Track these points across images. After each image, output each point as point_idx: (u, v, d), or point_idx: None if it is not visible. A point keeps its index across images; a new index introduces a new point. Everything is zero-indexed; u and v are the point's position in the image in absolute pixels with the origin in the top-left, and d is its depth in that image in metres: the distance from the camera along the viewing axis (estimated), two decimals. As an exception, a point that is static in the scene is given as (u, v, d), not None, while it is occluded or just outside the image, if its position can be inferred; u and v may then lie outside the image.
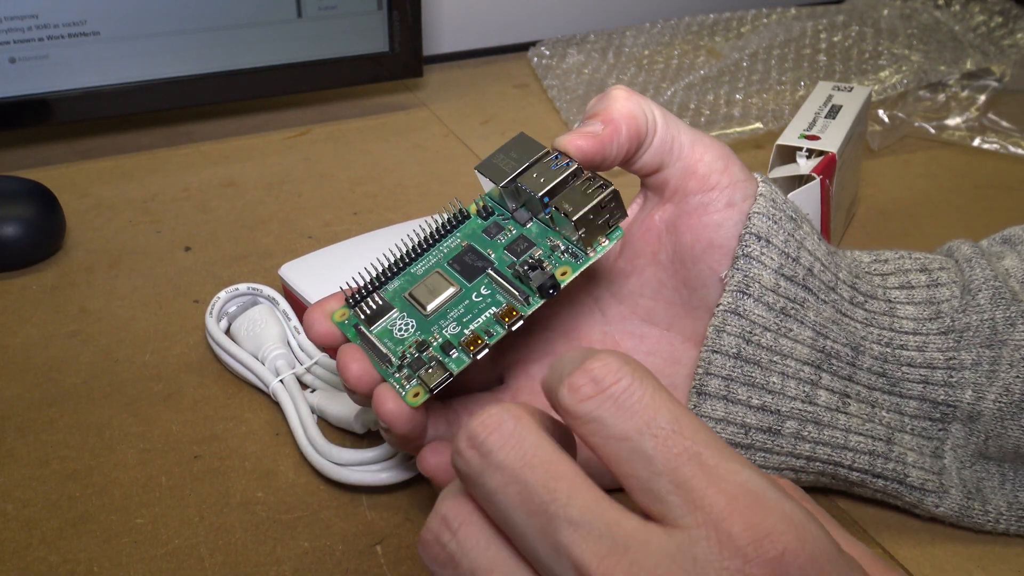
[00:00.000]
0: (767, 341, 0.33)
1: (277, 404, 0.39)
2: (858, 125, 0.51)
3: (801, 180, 0.46)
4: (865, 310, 0.35)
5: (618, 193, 0.31)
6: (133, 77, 0.60)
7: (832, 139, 0.47)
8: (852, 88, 0.53)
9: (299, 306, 0.43)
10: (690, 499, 0.20)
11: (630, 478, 0.21)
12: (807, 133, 0.48)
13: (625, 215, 0.31)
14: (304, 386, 0.40)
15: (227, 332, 0.43)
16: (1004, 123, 0.65)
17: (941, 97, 0.66)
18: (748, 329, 0.33)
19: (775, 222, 0.33)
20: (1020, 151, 0.62)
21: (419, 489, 0.36)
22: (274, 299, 0.43)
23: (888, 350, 0.34)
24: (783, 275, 0.33)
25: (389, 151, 0.64)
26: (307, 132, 0.66)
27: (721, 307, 0.33)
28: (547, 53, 0.76)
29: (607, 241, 0.31)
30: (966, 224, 0.56)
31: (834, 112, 0.50)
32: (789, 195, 0.45)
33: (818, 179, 0.45)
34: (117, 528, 0.34)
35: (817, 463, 0.33)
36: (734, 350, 0.33)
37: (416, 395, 0.30)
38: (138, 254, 0.51)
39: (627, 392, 0.21)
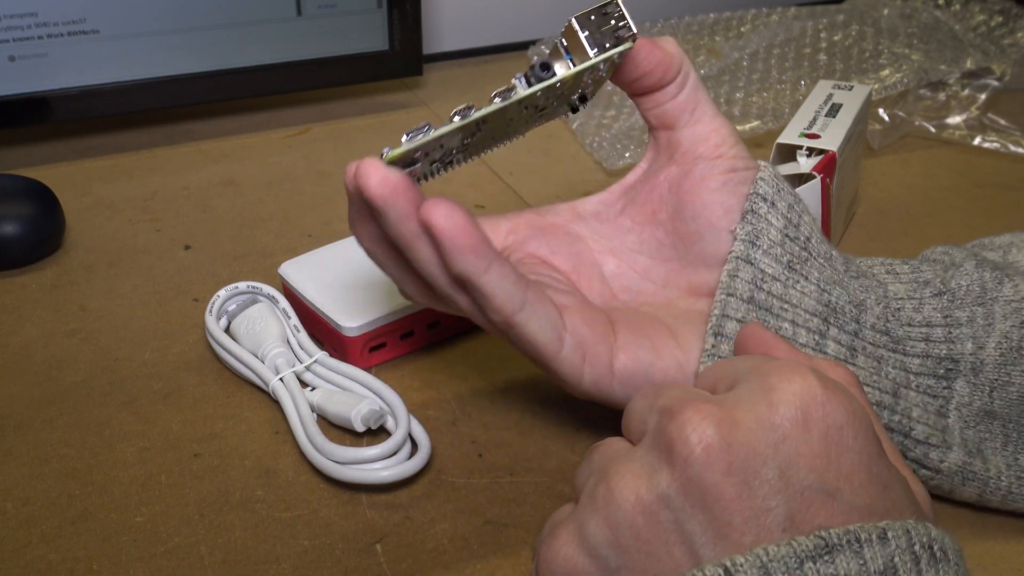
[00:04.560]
0: (777, 290, 0.34)
1: (277, 402, 0.39)
2: (858, 124, 0.51)
3: (801, 179, 0.46)
4: (860, 282, 0.36)
5: (623, 7, 0.33)
6: (133, 75, 0.60)
7: (832, 138, 0.47)
8: (852, 87, 0.53)
9: (299, 304, 0.43)
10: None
11: None
12: (807, 132, 0.48)
13: (633, 34, 0.33)
14: (304, 384, 0.40)
15: (227, 330, 0.43)
16: (1004, 122, 0.65)
17: (941, 96, 0.66)
18: (759, 276, 0.34)
19: (779, 190, 0.35)
20: (1020, 150, 0.62)
21: (419, 488, 0.36)
22: (274, 297, 0.43)
23: (888, 311, 0.35)
24: (787, 235, 0.35)
25: (389, 150, 0.64)
26: (307, 131, 0.66)
27: (733, 254, 0.34)
28: (547, 52, 0.76)
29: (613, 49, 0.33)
30: (966, 223, 0.56)
31: (834, 111, 0.50)
32: None
33: (819, 177, 0.45)
34: (117, 526, 0.34)
35: None
36: (747, 294, 0.34)
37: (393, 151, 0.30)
38: (138, 253, 0.51)
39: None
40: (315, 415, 0.39)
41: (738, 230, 0.35)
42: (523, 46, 0.80)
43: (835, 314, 0.34)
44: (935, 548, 0.23)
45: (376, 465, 0.36)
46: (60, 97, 0.58)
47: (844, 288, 0.35)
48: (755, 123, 0.62)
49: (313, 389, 0.40)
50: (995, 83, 0.67)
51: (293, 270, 0.44)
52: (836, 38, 0.73)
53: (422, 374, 0.42)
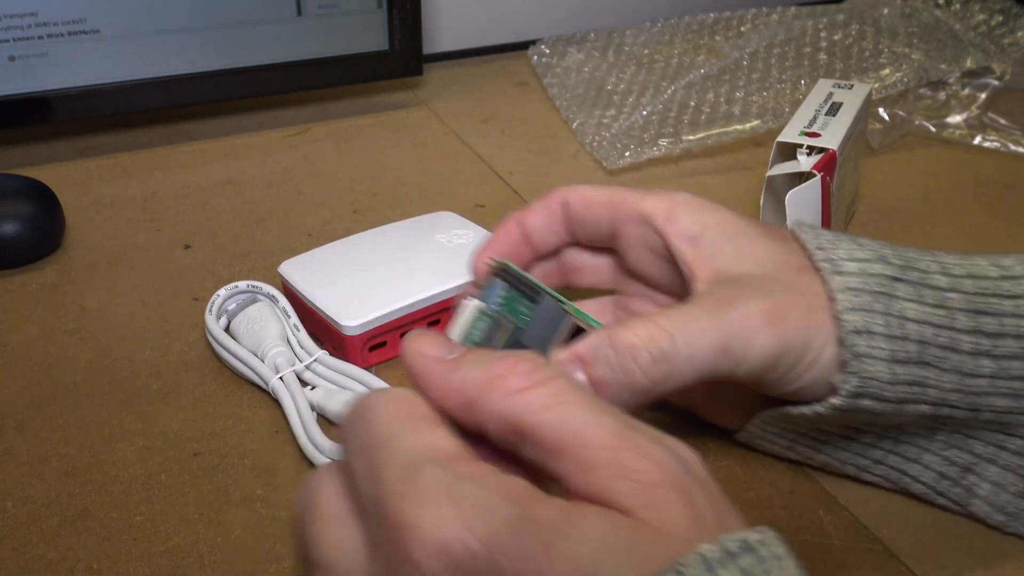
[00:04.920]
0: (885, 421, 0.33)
1: (277, 401, 0.39)
2: (859, 122, 0.51)
3: (801, 177, 0.46)
4: (992, 358, 0.31)
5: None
6: (133, 75, 0.60)
7: (833, 136, 0.47)
8: (852, 85, 0.53)
9: (298, 303, 0.43)
10: None
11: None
12: (807, 130, 0.48)
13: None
14: (304, 383, 0.40)
15: (226, 330, 0.43)
16: (1004, 121, 0.65)
17: (942, 95, 0.66)
18: (857, 418, 0.32)
19: (868, 310, 0.31)
20: (1020, 149, 0.62)
21: (419, 486, 0.36)
22: (274, 296, 0.43)
23: (1016, 404, 0.32)
24: (896, 360, 0.31)
25: (389, 149, 0.64)
26: (307, 130, 0.66)
27: (833, 405, 0.31)
28: (547, 52, 0.76)
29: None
30: (966, 222, 0.55)
31: (834, 109, 0.50)
32: (789, 192, 0.45)
33: (819, 176, 0.45)
34: (116, 525, 0.34)
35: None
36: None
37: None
38: (138, 252, 0.51)
39: None
40: (315, 414, 0.39)
41: (840, 384, 0.31)
42: (523, 46, 0.80)
43: (944, 422, 0.33)
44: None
45: None
46: (60, 97, 0.58)
47: (965, 392, 0.32)
48: (755, 122, 0.62)
49: (313, 388, 0.40)
50: (995, 82, 0.67)
51: (293, 269, 0.44)
52: (836, 37, 0.73)
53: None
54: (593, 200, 0.36)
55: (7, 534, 0.34)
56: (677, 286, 0.36)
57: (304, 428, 0.37)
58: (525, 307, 0.33)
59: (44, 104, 0.58)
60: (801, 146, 0.47)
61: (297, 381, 0.39)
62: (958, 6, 0.77)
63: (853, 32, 0.74)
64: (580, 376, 0.30)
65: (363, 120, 0.68)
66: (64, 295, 0.48)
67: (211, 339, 0.42)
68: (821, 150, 0.46)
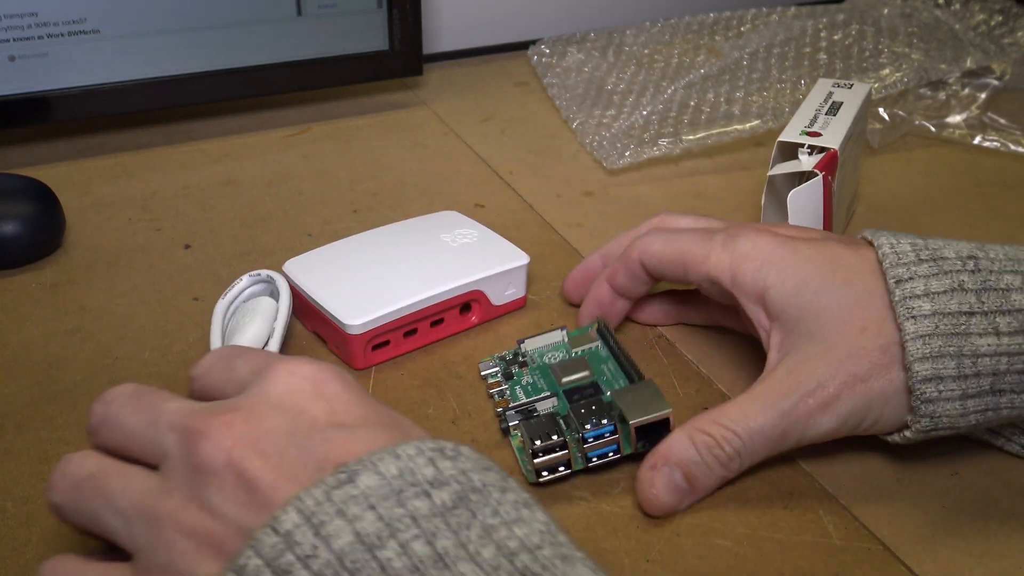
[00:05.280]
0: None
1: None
2: (859, 122, 0.51)
3: (803, 176, 0.46)
4: None
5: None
6: (133, 75, 0.60)
7: (833, 135, 0.47)
8: (852, 85, 0.53)
9: (302, 302, 0.43)
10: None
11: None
12: (808, 130, 0.48)
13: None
14: None
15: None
16: (1004, 121, 0.65)
17: (941, 95, 0.66)
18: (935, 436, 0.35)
19: (939, 355, 0.32)
20: (1020, 149, 0.62)
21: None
22: (279, 293, 0.43)
23: None
24: (968, 396, 0.33)
25: (389, 149, 0.64)
26: (307, 130, 0.66)
27: (910, 439, 0.35)
28: (547, 51, 0.76)
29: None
30: (966, 222, 0.55)
31: (835, 109, 0.50)
32: (791, 192, 0.45)
33: (821, 175, 0.45)
34: (117, 525, 0.34)
35: None
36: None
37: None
38: (138, 252, 0.51)
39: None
40: None
41: (912, 422, 0.34)
42: (523, 46, 0.80)
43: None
44: (446, 450, 0.26)
45: None
46: (60, 97, 0.58)
47: None
48: (755, 122, 0.62)
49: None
50: (995, 82, 0.67)
51: (296, 268, 0.44)
52: (836, 37, 0.73)
53: (422, 373, 0.42)
54: (663, 259, 0.40)
55: (7, 534, 0.34)
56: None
57: None
58: (608, 369, 0.40)
59: (44, 104, 0.58)
60: (802, 145, 0.47)
61: None
62: (958, 6, 0.77)
63: (853, 32, 0.74)
64: (679, 477, 0.34)
65: (363, 120, 0.68)
66: (64, 295, 0.48)
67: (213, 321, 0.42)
68: (822, 149, 0.46)
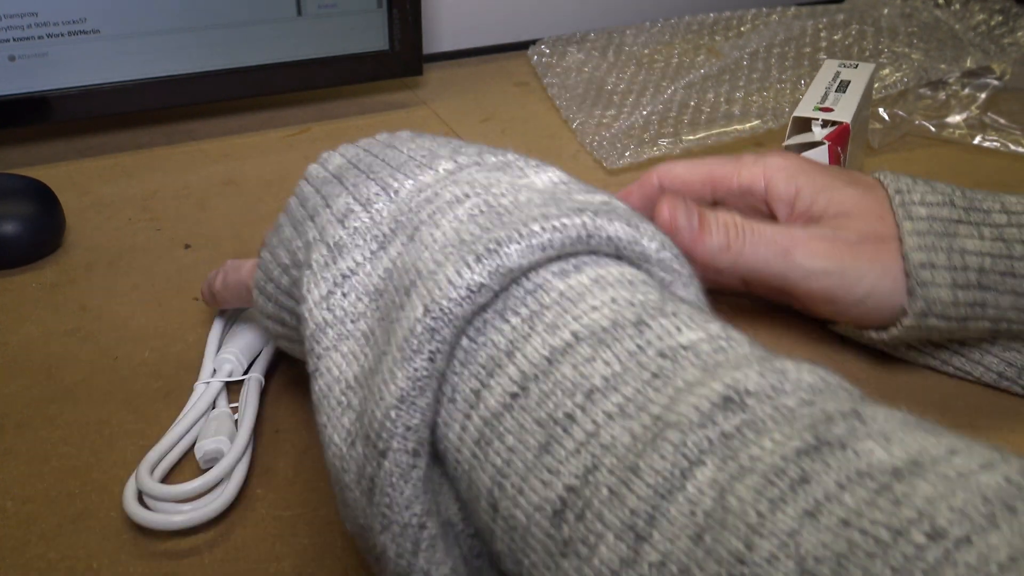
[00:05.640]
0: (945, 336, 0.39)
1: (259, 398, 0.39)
2: (865, 102, 0.54)
3: (815, 146, 0.48)
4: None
5: None
6: (133, 75, 0.60)
7: (845, 110, 0.50)
8: (857, 65, 0.56)
9: None
10: None
11: None
12: (820, 105, 0.51)
13: None
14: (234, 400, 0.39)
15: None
16: (1004, 121, 0.65)
17: (942, 95, 0.66)
18: (928, 334, 0.38)
19: (931, 248, 0.37)
20: (1020, 149, 0.62)
21: (419, 486, 0.36)
22: None
23: None
24: (958, 286, 0.36)
25: (389, 149, 0.64)
26: (307, 130, 0.66)
27: (906, 325, 0.38)
28: (547, 51, 0.76)
29: None
30: (966, 222, 0.56)
31: (843, 87, 0.53)
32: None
33: (827, 144, 0.47)
34: (116, 525, 0.34)
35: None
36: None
37: None
38: (138, 252, 0.51)
39: None
40: (191, 441, 0.37)
41: (909, 305, 0.37)
42: (523, 46, 0.80)
43: (1001, 334, 0.39)
44: None
45: (178, 506, 0.34)
46: (60, 97, 0.59)
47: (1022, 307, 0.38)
48: (755, 122, 0.62)
49: (235, 408, 0.39)
50: (995, 82, 0.67)
51: None
52: (836, 37, 0.73)
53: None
54: (688, 180, 0.41)
55: (7, 533, 0.34)
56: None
57: (154, 451, 0.35)
58: None
59: (44, 104, 0.58)
60: (816, 119, 0.50)
61: (215, 395, 0.39)
62: (958, 6, 0.77)
63: (853, 32, 0.74)
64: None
65: (363, 120, 0.68)
66: (64, 295, 0.48)
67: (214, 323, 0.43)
68: (835, 123, 0.49)
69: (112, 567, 0.33)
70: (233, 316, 0.43)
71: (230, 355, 0.40)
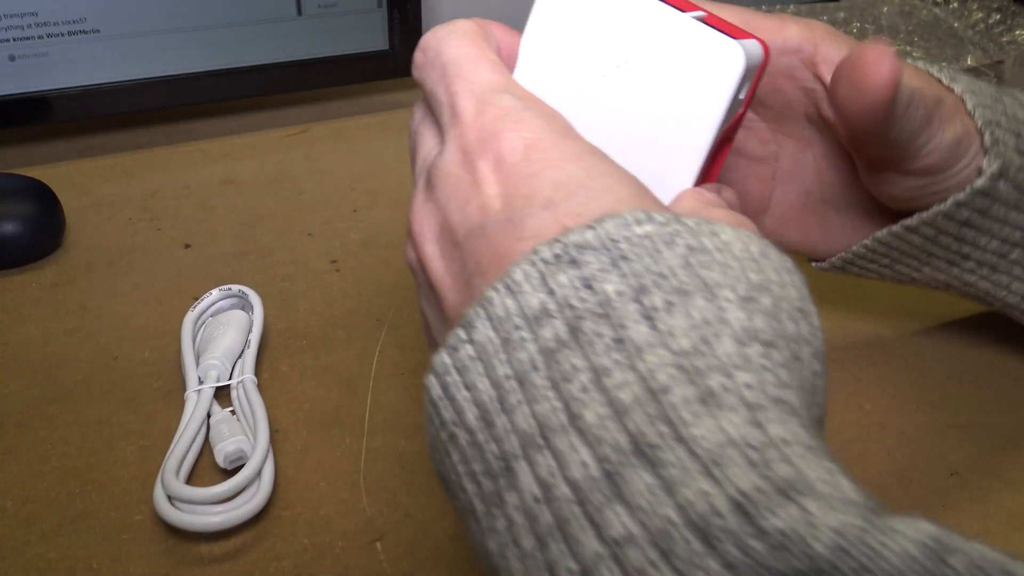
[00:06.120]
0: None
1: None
2: None
3: None
4: None
5: None
6: (133, 75, 0.60)
7: None
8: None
9: None
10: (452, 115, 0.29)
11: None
12: None
13: None
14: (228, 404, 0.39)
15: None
16: (1004, 120, 0.64)
17: (941, 94, 0.66)
18: (986, 210, 0.36)
19: (991, 107, 0.35)
20: (1020, 148, 0.62)
21: (419, 487, 0.36)
22: (252, 306, 0.43)
23: None
24: (1019, 151, 0.36)
25: (389, 149, 0.64)
26: (307, 130, 0.66)
27: (979, 188, 0.35)
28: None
29: None
30: (966, 221, 0.55)
31: None
32: None
33: None
34: (116, 525, 0.34)
35: None
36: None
37: None
38: (138, 252, 0.51)
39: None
40: (202, 443, 0.37)
41: (986, 165, 0.35)
42: (523, 45, 0.80)
43: None
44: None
45: (210, 507, 0.34)
46: (60, 96, 0.59)
47: None
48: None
49: (233, 411, 0.39)
50: (994, 80, 0.67)
51: None
52: (836, 36, 0.73)
53: (422, 373, 0.42)
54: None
55: (7, 533, 0.34)
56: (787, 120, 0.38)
57: (174, 449, 0.36)
58: None
59: (44, 104, 0.58)
60: None
61: (210, 400, 0.39)
62: (956, 4, 0.77)
63: (853, 30, 0.74)
64: None
65: (363, 120, 0.68)
66: (64, 295, 0.48)
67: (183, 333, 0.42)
68: None
69: (112, 567, 0.33)
70: (201, 323, 0.43)
71: (215, 360, 0.40)
